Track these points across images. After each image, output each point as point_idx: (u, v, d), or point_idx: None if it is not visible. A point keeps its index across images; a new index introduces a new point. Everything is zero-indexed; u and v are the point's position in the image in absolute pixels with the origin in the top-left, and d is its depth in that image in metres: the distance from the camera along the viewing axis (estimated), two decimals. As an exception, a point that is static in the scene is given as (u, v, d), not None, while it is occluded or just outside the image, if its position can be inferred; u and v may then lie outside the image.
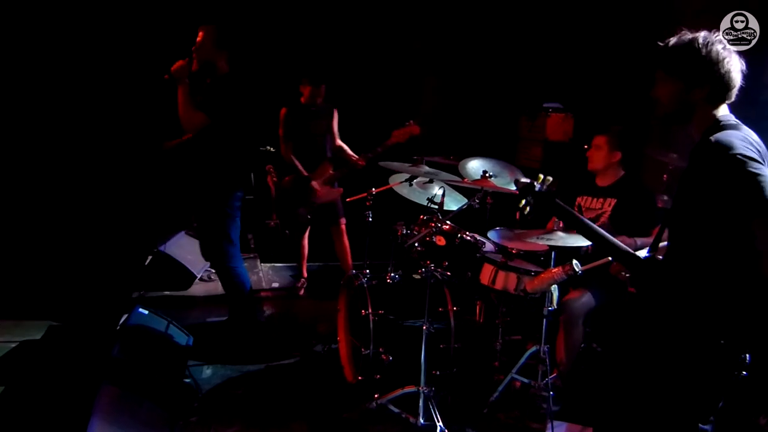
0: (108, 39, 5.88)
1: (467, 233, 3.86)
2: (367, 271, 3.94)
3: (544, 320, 3.41)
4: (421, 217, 3.97)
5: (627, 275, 2.47)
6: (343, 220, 5.34)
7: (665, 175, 4.90)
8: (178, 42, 4.13)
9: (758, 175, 1.88)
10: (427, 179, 4.10)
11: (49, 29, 5.77)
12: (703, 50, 2.09)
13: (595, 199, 3.93)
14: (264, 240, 6.58)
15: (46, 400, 3.31)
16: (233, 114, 3.99)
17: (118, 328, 3.75)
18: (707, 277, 2.09)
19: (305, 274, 5.68)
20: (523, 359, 3.72)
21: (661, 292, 2.20)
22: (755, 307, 2.04)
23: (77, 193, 6.01)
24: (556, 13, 6.33)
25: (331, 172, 5.13)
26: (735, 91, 2.15)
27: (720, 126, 2.10)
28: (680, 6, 5.11)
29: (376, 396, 3.49)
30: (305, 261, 5.67)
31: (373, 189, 4.30)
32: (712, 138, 2.01)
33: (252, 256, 6.35)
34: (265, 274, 6.00)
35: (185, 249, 5.53)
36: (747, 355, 2.10)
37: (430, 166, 3.91)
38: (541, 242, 3.31)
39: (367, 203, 4.29)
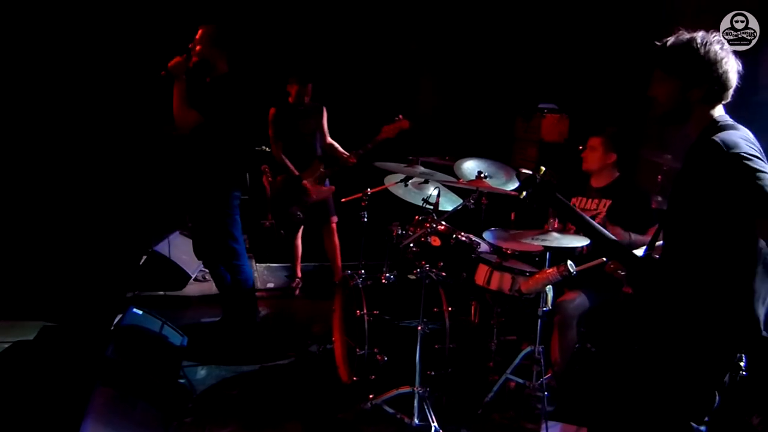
0: (101, 36, 5.86)
1: (462, 234, 3.86)
2: (363, 271, 3.94)
3: (539, 321, 3.41)
4: (417, 217, 3.97)
5: (623, 273, 2.47)
6: (335, 219, 5.35)
7: (660, 176, 4.92)
8: (174, 40, 4.14)
9: (764, 172, 1.88)
10: (423, 180, 4.10)
11: (42, 26, 5.74)
12: (702, 50, 2.10)
13: (589, 200, 3.93)
14: (259, 240, 6.56)
15: (38, 401, 3.29)
16: (227, 114, 3.98)
17: (112, 328, 3.73)
18: (703, 277, 2.09)
19: (299, 274, 5.68)
20: (517, 360, 3.72)
21: (658, 291, 2.21)
22: (748, 307, 2.05)
23: (71, 193, 5.99)
24: (552, 14, 6.34)
25: (321, 170, 5.13)
26: (731, 91, 2.16)
27: (718, 126, 2.10)
28: (676, 7, 5.13)
29: (371, 396, 3.49)
30: (299, 261, 5.67)
31: (369, 189, 4.30)
32: (714, 137, 2.01)
33: (247, 256, 6.32)
34: (261, 275, 5.99)
35: (180, 249, 5.52)
36: (743, 355, 2.12)
37: (425, 167, 3.91)
38: (536, 243, 3.31)
39: (363, 203, 4.29)
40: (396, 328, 3.73)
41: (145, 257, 5.43)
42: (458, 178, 3.94)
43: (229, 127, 4.04)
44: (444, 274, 3.84)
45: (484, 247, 3.96)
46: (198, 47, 3.94)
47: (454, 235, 3.80)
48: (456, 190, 4.20)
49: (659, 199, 4.68)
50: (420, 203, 4.03)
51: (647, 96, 2.27)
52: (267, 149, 5.99)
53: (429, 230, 3.71)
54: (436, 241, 3.77)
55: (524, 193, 2.41)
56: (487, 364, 3.80)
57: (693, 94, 2.14)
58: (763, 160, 1.95)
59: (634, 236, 3.47)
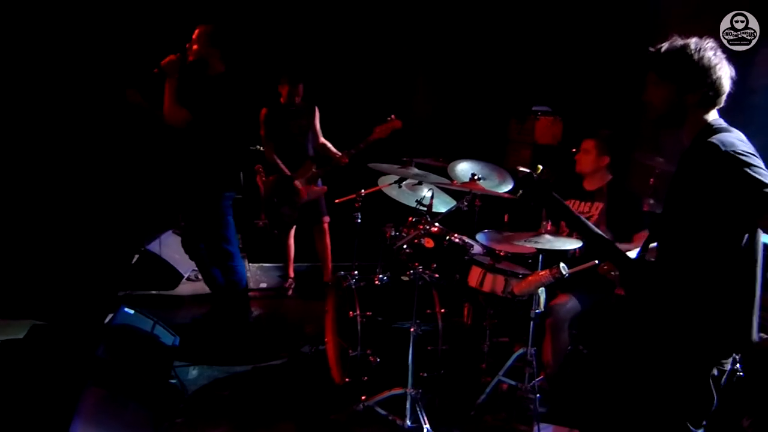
0: (95, 36, 5.83)
1: (456, 235, 3.86)
2: (356, 272, 3.93)
3: (531, 323, 3.42)
4: (410, 218, 3.97)
5: (615, 274, 2.48)
6: (327, 219, 5.34)
7: (652, 179, 4.93)
8: (167, 39, 4.17)
9: (760, 168, 1.92)
10: (416, 181, 4.09)
11: (34, 26, 5.71)
12: (696, 56, 2.12)
13: (582, 203, 3.94)
14: (252, 240, 6.55)
15: (27, 401, 3.26)
16: (218, 113, 4.01)
17: (104, 327, 3.71)
18: (698, 280, 2.10)
19: (292, 275, 5.67)
20: (510, 361, 3.72)
21: (651, 293, 2.22)
22: (743, 311, 2.06)
23: (63, 191, 5.95)
24: (546, 18, 6.35)
25: (313, 170, 5.13)
26: (725, 96, 2.18)
27: (713, 129, 2.12)
28: (667, 11, 5.14)
29: (363, 398, 3.49)
30: (292, 261, 5.66)
31: (362, 190, 4.30)
32: (710, 139, 2.04)
33: (240, 256, 6.31)
34: (253, 274, 5.96)
35: (172, 248, 5.49)
36: (738, 356, 2.13)
37: (419, 168, 3.91)
38: (529, 245, 3.32)
39: (356, 204, 4.29)
40: (389, 330, 3.72)
41: (137, 256, 5.42)
42: (452, 180, 3.94)
43: (220, 126, 4.06)
44: (437, 275, 3.84)
45: (477, 248, 3.96)
46: (195, 46, 3.98)
47: (447, 237, 3.80)
48: (450, 192, 4.20)
49: (651, 201, 4.69)
50: (413, 205, 4.04)
51: (641, 99, 2.29)
52: (261, 149, 5.98)
53: (422, 232, 3.71)
54: (429, 243, 3.77)
55: (521, 192, 2.42)
56: (480, 366, 3.80)
57: (688, 99, 2.16)
58: (758, 158, 1.98)
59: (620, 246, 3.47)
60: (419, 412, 3.33)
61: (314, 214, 5.30)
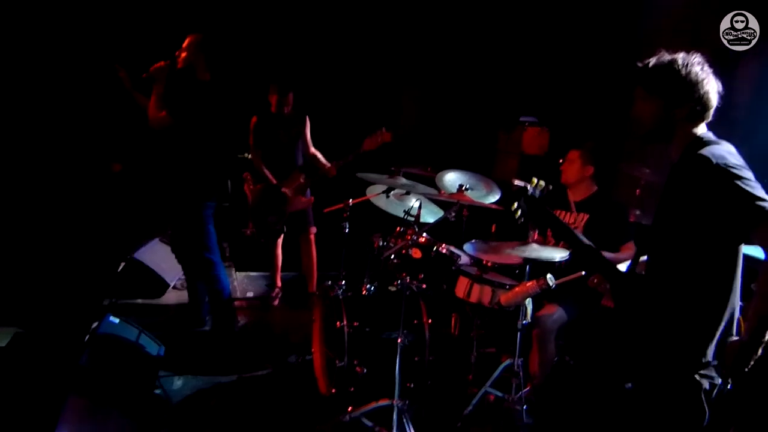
0: (85, 42, 5.81)
1: (443, 246, 3.86)
2: (343, 282, 3.92)
3: (518, 333, 3.42)
4: (398, 229, 3.97)
5: (606, 288, 2.49)
6: (313, 229, 5.33)
7: (638, 190, 4.97)
8: (160, 46, 4.26)
9: (751, 180, 1.95)
10: (404, 191, 4.10)
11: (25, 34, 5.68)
12: (683, 71, 2.14)
13: (568, 214, 3.96)
14: (239, 248, 6.52)
15: (9, 410, 3.22)
16: (199, 119, 4.08)
17: (88, 336, 3.67)
18: (689, 292, 2.12)
19: (279, 284, 5.64)
20: (497, 372, 3.72)
21: (641, 307, 2.23)
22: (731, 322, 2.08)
23: (48, 198, 5.91)
24: (533, 29, 6.40)
25: (302, 180, 5.11)
26: (713, 111, 2.20)
27: (703, 142, 2.14)
28: (652, 24, 5.20)
29: (349, 409, 3.46)
30: (279, 270, 5.63)
31: (350, 200, 4.29)
32: (700, 152, 2.06)
33: (227, 264, 6.27)
34: (240, 283, 5.94)
35: (159, 256, 5.46)
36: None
37: (407, 178, 3.92)
38: (516, 254, 3.32)
39: (344, 214, 4.28)
40: (376, 340, 3.72)
41: (123, 264, 5.37)
42: (440, 190, 3.95)
43: (202, 133, 4.12)
44: (424, 286, 3.84)
45: (464, 259, 3.97)
46: (184, 54, 4.07)
47: (434, 247, 3.81)
48: (437, 201, 4.21)
49: (638, 212, 4.73)
50: (401, 215, 4.04)
51: (627, 111, 2.31)
52: (249, 156, 5.96)
53: (410, 242, 3.71)
54: (416, 253, 3.78)
55: (516, 205, 2.43)
56: (467, 377, 3.80)
57: (676, 114, 2.18)
58: (748, 171, 2.00)
59: (604, 254, 3.49)
60: (406, 424, 3.31)
61: (301, 224, 5.28)
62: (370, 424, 3.42)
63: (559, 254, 3.33)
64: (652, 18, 5.24)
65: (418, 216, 3.88)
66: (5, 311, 4.49)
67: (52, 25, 5.71)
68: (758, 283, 2.01)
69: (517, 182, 2.45)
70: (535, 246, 3.33)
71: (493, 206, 3.88)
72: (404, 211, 4.02)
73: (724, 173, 1.97)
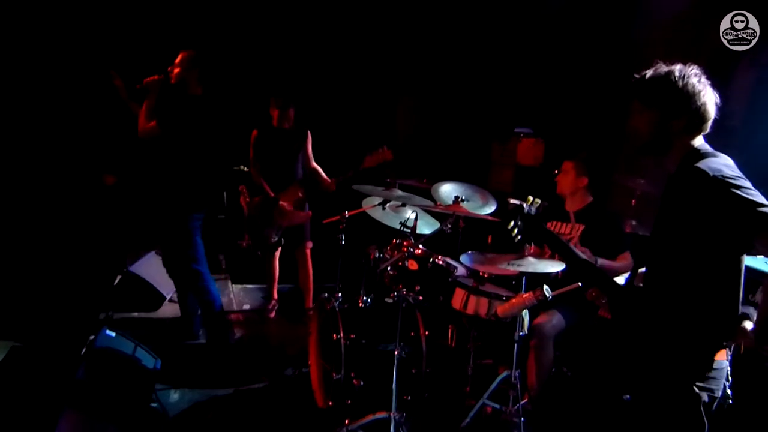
0: (81, 54, 5.83)
1: (439, 257, 3.87)
2: (339, 294, 3.93)
3: (515, 345, 3.42)
4: (394, 240, 3.97)
5: (604, 302, 2.49)
6: (309, 244, 5.31)
7: (633, 200, 4.99)
8: (152, 61, 4.30)
9: (750, 189, 1.94)
10: (400, 203, 4.11)
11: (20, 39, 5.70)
12: (680, 83, 2.14)
13: (564, 224, 3.98)
14: (235, 261, 6.51)
15: (5, 425, 3.21)
16: (188, 133, 4.15)
17: (84, 350, 3.66)
18: (688, 304, 2.11)
19: (275, 296, 5.63)
20: (494, 384, 3.71)
21: (639, 320, 2.22)
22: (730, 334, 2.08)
23: (44, 211, 5.90)
24: (528, 40, 6.43)
25: (300, 195, 5.11)
26: (710, 123, 2.20)
27: (700, 154, 2.14)
28: (646, 33, 5.24)
29: (346, 422, 3.45)
30: (276, 283, 5.62)
31: (347, 212, 4.30)
32: (696, 165, 2.05)
33: (223, 276, 6.28)
34: (236, 296, 5.93)
35: (155, 269, 5.44)
36: (728, 383, 2.14)
37: (403, 190, 3.93)
38: (512, 268, 3.33)
39: (340, 226, 4.29)
40: (372, 352, 3.72)
41: (119, 277, 5.36)
42: (436, 202, 3.96)
43: (191, 146, 4.18)
44: (421, 297, 3.84)
45: (461, 270, 3.97)
46: (177, 70, 4.15)
47: (431, 259, 3.81)
48: (434, 213, 4.22)
49: (634, 222, 4.75)
50: (397, 226, 4.04)
51: (622, 122, 2.31)
52: (245, 168, 5.98)
53: (406, 254, 3.71)
54: (413, 265, 3.79)
55: (512, 224, 2.43)
56: (464, 389, 3.79)
57: (672, 126, 2.17)
58: (746, 180, 1.99)
59: (601, 261, 3.51)
60: (403, 436, 3.31)
61: (298, 238, 5.28)
62: (367, 437, 3.42)
63: (554, 266, 3.34)
64: (646, 29, 5.27)
65: (414, 228, 3.89)
66: (2, 325, 4.47)
67: (48, 34, 5.73)
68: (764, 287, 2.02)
69: (512, 201, 2.45)
70: (531, 259, 3.34)
71: (489, 218, 3.90)
72: (400, 222, 4.03)
73: (722, 185, 1.96)
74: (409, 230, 3.90)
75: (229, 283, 6.18)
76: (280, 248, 5.43)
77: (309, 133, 5.30)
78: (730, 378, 2.18)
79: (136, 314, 5.21)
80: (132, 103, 4.53)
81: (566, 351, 3.91)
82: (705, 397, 2.08)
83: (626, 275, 2.43)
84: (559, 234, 3.93)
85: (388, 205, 4.11)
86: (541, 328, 3.61)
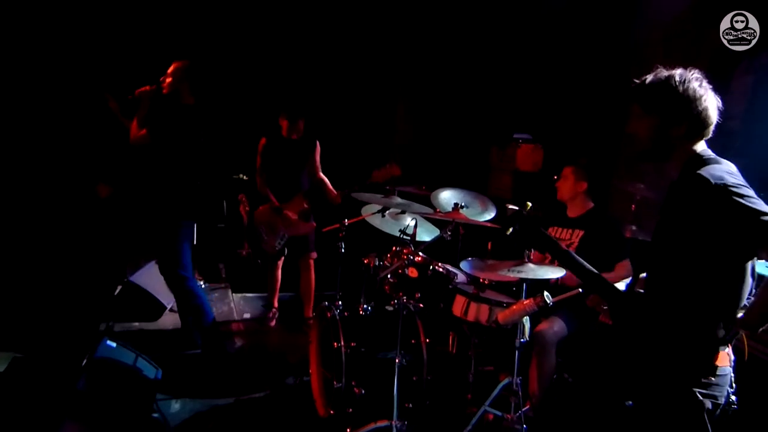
0: (76, 65, 5.85)
1: (439, 264, 3.86)
2: (339, 302, 3.92)
3: (516, 352, 3.41)
4: (394, 248, 3.97)
5: (605, 308, 2.48)
6: (313, 255, 5.31)
7: (633, 206, 4.98)
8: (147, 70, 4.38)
9: (753, 197, 1.93)
10: (400, 210, 4.11)
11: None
12: (680, 88, 2.12)
13: (564, 230, 3.98)
14: (235, 269, 6.51)
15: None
16: (179, 141, 4.19)
17: (85, 360, 3.66)
18: (691, 311, 2.10)
19: (276, 305, 5.62)
20: (496, 391, 3.70)
21: (640, 325, 2.21)
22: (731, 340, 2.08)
23: (44, 222, 5.90)
24: (526, 46, 6.45)
25: (305, 206, 5.10)
26: (712, 128, 2.18)
27: (703, 160, 2.12)
28: (644, 37, 5.26)
29: (348, 430, 3.44)
30: (277, 292, 5.61)
31: (346, 220, 4.30)
32: (699, 172, 2.03)
33: (223, 286, 6.27)
34: (237, 305, 5.92)
35: (155, 279, 5.41)
36: (731, 389, 2.13)
37: (402, 197, 3.93)
38: (512, 275, 3.32)
39: (340, 234, 4.29)
40: (373, 360, 3.71)
41: (119, 287, 5.35)
42: (435, 209, 3.96)
43: (178, 152, 4.22)
44: (421, 305, 3.84)
45: (461, 277, 3.97)
46: (168, 80, 4.20)
47: (431, 266, 3.81)
48: (433, 220, 4.22)
49: (633, 228, 4.74)
50: (397, 234, 4.04)
51: (621, 126, 2.31)
52: (244, 177, 5.98)
53: (406, 261, 3.71)
54: (413, 272, 3.78)
55: (511, 230, 2.43)
56: (465, 396, 3.78)
57: (673, 132, 2.15)
58: (750, 189, 1.98)
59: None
60: (405, 445, 3.30)
61: (302, 248, 5.27)
62: (368, 445, 3.41)
63: (555, 273, 3.34)
64: (645, 31, 5.28)
65: (414, 235, 3.88)
66: (3, 336, 4.47)
67: (42, 44, 5.75)
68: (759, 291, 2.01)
69: (511, 207, 2.45)
70: (531, 265, 3.34)
71: (489, 224, 3.89)
72: (400, 230, 4.03)
73: (724, 193, 1.94)
74: (408, 237, 3.90)
75: (229, 292, 6.18)
76: (283, 257, 5.42)
77: (318, 143, 5.30)
78: (733, 384, 2.16)
79: (136, 324, 5.21)
80: (127, 121, 4.57)
81: (568, 357, 3.90)
82: (708, 404, 2.07)
83: (627, 281, 2.41)
84: (559, 239, 3.94)
85: (387, 212, 4.11)
86: (543, 335, 3.60)
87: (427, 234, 4.11)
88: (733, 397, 2.15)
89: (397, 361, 3.42)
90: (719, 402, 2.10)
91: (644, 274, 2.35)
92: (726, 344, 2.09)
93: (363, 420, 3.50)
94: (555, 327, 3.64)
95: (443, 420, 3.72)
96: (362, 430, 3.45)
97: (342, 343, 3.58)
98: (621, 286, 2.37)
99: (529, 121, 6.56)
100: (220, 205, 6.41)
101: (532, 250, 3.43)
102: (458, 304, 3.68)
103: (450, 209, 3.86)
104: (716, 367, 2.08)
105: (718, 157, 2.15)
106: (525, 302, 3.19)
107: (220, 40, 6.24)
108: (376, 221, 4.18)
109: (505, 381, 3.69)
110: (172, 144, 4.19)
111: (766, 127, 4.15)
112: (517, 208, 2.43)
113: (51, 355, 4.27)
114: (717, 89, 2.21)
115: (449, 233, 3.77)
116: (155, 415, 3.64)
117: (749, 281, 2.09)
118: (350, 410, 3.53)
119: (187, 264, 4.40)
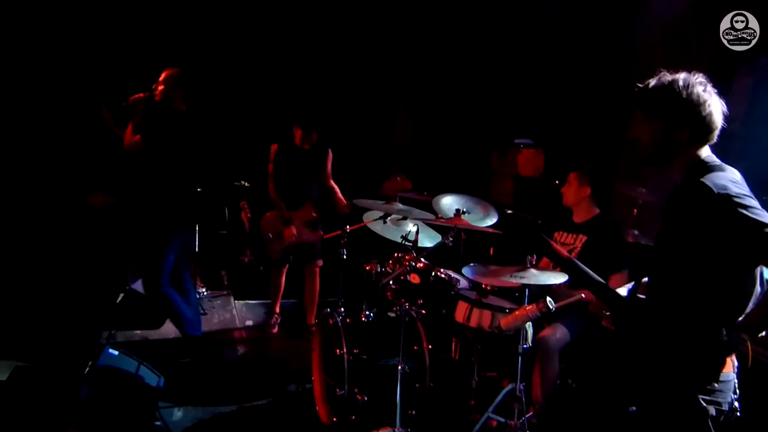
0: (70, 74, 5.87)
1: (441, 270, 3.86)
2: (342, 309, 3.92)
3: (519, 358, 3.41)
4: (396, 254, 3.97)
5: (607, 314, 2.46)
6: (320, 262, 5.30)
7: (635, 210, 4.97)
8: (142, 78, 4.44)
9: (756, 208, 1.91)
10: (401, 216, 4.11)
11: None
12: (684, 93, 2.09)
13: (569, 235, 3.98)
14: (237, 277, 6.50)
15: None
16: (167, 144, 4.24)
17: (87, 369, 3.65)
18: (691, 317, 2.09)
19: (277, 311, 5.61)
20: (499, 398, 3.68)
21: (643, 331, 2.20)
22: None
23: (45, 229, 5.91)
24: (527, 51, 6.46)
25: (314, 214, 5.10)
26: (717, 132, 2.15)
27: (707, 167, 2.10)
28: (644, 41, 5.26)
29: (351, 438, 3.45)
30: (280, 299, 5.60)
31: (348, 226, 4.30)
32: (702, 179, 2.01)
33: (225, 293, 6.26)
34: (239, 312, 5.91)
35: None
36: (735, 396, 2.11)
37: (403, 203, 3.93)
38: (515, 280, 3.31)
39: (342, 241, 4.29)
40: (376, 367, 3.70)
41: (122, 295, 5.35)
42: (437, 215, 3.96)
43: (171, 159, 4.28)
44: (423, 311, 3.83)
45: (463, 283, 3.96)
46: (161, 87, 4.27)
47: (433, 272, 3.80)
48: (434, 226, 4.22)
49: (636, 232, 4.72)
50: (399, 240, 4.04)
51: (622, 131, 2.30)
52: (246, 184, 5.98)
53: (408, 267, 3.71)
54: (415, 279, 3.77)
55: (510, 234, 2.43)
56: (469, 403, 3.77)
57: (676, 137, 2.13)
58: (753, 199, 1.96)
59: None
60: (408, 452, 3.29)
61: (308, 255, 5.26)
62: (372, 452, 3.40)
63: (557, 278, 3.33)
64: (645, 32, 5.28)
65: (415, 241, 3.88)
66: (5, 345, 4.47)
67: (36, 52, 5.77)
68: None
69: (509, 212, 2.45)
70: (533, 271, 3.34)
71: (491, 230, 3.89)
72: (402, 236, 4.03)
73: (728, 203, 1.92)
74: (410, 244, 3.90)
75: (232, 299, 6.16)
76: (288, 265, 5.41)
77: (330, 151, 5.30)
78: (737, 391, 2.15)
79: (138, 332, 5.20)
80: (120, 131, 4.56)
81: (571, 363, 3.89)
82: (712, 410, 2.05)
83: (629, 286, 2.40)
84: (562, 244, 3.93)
85: (389, 218, 4.11)
86: (546, 341, 3.60)
87: (428, 240, 4.11)
88: (737, 404, 2.13)
89: (399, 367, 3.42)
90: (723, 409, 2.09)
91: (646, 279, 2.34)
92: (732, 351, 2.08)
93: (366, 427, 3.49)
94: (558, 333, 3.63)
95: (446, 427, 3.71)
96: (365, 437, 3.45)
97: (344, 350, 3.57)
98: (623, 291, 2.35)
99: (530, 125, 6.56)
100: (222, 212, 6.41)
101: (534, 255, 3.42)
102: (461, 310, 3.67)
103: (452, 215, 3.86)
104: (720, 373, 2.07)
105: (722, 164, 2.13)
106: (528, 308, 3.18)
107: (220, 46, 6.25)
108: (377, 228, 4.18)
109: (509, 387, 3.68)
110: (165, 149, 4.24)
111: (766, 130, 4.15)
112: (515, 213, 2.43)
113: (53, 364, 4.27)
114: (717, 91, 2.18)
115: (451, 239, 3.77)
116: (158, 423, 3.64)
117: (757, 288, 2.07)
118: (353, 417, 3.53)
119: (166, 274, 4.43)
